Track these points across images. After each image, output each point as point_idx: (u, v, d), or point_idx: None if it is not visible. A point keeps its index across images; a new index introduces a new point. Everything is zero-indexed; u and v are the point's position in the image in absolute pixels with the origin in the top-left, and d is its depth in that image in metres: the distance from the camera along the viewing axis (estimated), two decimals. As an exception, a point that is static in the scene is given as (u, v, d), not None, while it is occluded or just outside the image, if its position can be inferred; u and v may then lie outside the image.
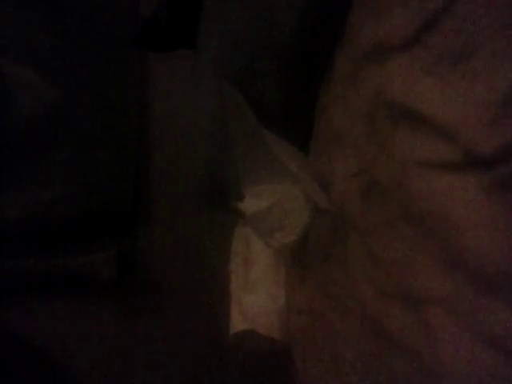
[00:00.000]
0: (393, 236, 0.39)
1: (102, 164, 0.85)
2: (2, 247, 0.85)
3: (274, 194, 0.50)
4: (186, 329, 0.92)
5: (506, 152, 0.33)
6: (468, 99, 0.34)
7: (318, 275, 0.48)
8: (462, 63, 0.35)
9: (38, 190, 0.84)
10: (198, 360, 0.92)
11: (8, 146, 0.83)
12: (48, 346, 0.91)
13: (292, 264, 0.54)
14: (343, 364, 0.43)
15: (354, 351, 0.42)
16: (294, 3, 0.46)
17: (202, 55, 0.52)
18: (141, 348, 0.93)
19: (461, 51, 0.35)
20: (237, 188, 0.52)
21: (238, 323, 0.55)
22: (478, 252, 0.34)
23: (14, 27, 0.80)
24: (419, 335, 0.37)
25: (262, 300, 0.55)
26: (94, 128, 0.84)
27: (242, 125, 0.49)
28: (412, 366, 0.37)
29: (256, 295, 0.55)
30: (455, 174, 0.35)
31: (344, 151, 0.44)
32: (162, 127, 0.88)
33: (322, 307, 0.47)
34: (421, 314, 0.37)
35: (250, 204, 0.51)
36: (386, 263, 0.39)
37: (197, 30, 0.51)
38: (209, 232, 0.88)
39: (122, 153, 0.86)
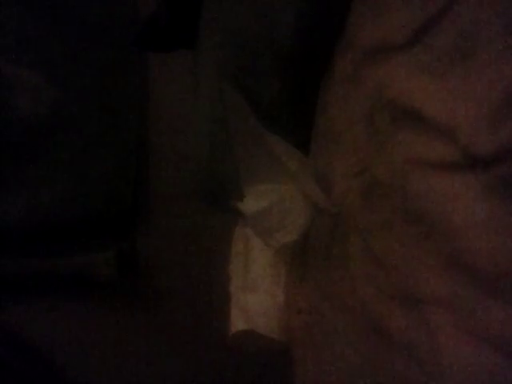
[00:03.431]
0: (393, 236, 0.39)
1: (102, 164, 0.86)
2: (2, 247, 0.85)
3: (273, 193, 0.50)
4: (185, 329, 0.92)
5: (506, 152, 0.33)
6: (468, 99, 0.34)
7: (317, 275, 0.48)
8: (462, 63, 0.35)
9: (38, 189, 0.84)
10: (197, 360, 0.92)
11: (8, 146, 0.83)
12: (48, 345, 0.91)
13: (292, 264, 0.54)
14: (343, 364, 0.43)
15: (354, 351, 0.42)
16: (294, 3, 0.46)
17: (202, 55, 0.52)
18: (140, 348, 0.93)
19: (461, 51, 0.35)
20: (237, 188, 0.52)
21: (237, 323, 0.55)
22: (478, 252, 0.34)
23: (14, 28, 0.80)
24: (419, 335, 0.37)
25: (262, 300, 0.55)
26: (94, 128, 0.85)
27: (241, 125, 0.49)
28: (412, 366, 0.37)
29: (256, 295, 0.55)
30: (455, 174, 0.35)
31: (344, 151, 0.44)
32: (162, 127, 0.88)
33: (322, 307, 0.47)
34: (421, 313, 0.37)
35: (250, 204, 0.51)
36: (386, 263, 0.39)
37: (197, 30, 0.51)
38: (209, 232, 0.88)
39: (122, 153, 0.86)
